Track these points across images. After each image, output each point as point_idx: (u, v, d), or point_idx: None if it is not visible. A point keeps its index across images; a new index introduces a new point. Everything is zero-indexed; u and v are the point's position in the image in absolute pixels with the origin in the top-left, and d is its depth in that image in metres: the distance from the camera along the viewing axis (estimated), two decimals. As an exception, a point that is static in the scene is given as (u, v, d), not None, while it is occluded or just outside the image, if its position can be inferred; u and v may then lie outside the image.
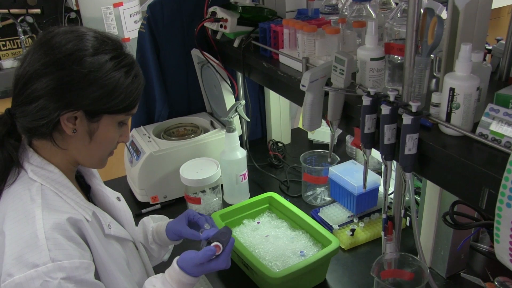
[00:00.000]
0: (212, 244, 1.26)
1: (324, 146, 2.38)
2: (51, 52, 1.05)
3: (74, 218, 1.08)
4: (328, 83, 1.36)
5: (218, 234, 1.31)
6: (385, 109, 1.14)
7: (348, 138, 2.35)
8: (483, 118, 1.04)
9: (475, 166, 1.01)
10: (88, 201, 1.20)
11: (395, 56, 1.31)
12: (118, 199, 1.35)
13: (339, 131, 2.45)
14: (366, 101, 1.20)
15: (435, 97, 1.13)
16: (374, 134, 1.25)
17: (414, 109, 1.09)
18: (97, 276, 1.12)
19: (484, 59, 1.39)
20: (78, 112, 1.08)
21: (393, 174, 1.51)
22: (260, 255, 1.60)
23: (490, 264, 1.62)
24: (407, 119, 1.09)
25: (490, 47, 1.46)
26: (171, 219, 1.54)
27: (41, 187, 1.09)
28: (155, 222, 1.55)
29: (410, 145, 1.11)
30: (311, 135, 2.49)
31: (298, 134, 2.59)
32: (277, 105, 2.40)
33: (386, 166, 1.24)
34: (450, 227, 1.40)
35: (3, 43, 3.61)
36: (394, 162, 1.36)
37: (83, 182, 1.31)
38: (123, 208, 1.35)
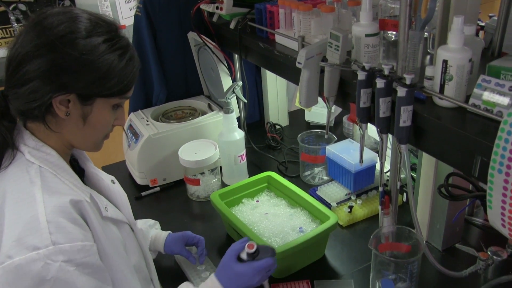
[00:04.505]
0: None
1: (322, 127, 2.40)
2: (43, 33, 1.04)
3: (75, 200, 1.07)
4: (324, 61, 1.39)
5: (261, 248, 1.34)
6: (380, 83, 1.16)
7: (345, 119, 2.38)
8: (475, 89, 1.06)
9: (468, 136, 1.03)
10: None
11: (389, 34, 1.33)
12: (113, 182, 1.34)
13: (337, 112, 2.47)
14: (361, 75, 1.22)
15: (428, 70, 1.15)
16: (369, 109, 1.27)
17: (408, 82, 1.12)
18: None
19: (477, 35, 1.41)
20: (70, 95, 1.06)
21: (389, 152, 1.54)
22: (260, 232, 1.63)
23: (484, 236, 1.66)
24: (401, 92, 1.11)
25: (483, 24, 1.48)
26: (169, 231, 1.63)
27: (39, 169, 1.08)
28: (151, 228, 1.63)
29: (404, 117, 1.13)
30: (308, 117, 2.51)
31: (295, 117, 2.61)
32: (274, 87, 2.42)
33: (381, 139, 1.27)
34: (445, 199, 1.43)
35: (-5, 31, 3.58)
36: (390, 138, 1.39)
37: (76, 166, 1.29)
38: (118, 190, 1.34)
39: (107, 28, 1.10)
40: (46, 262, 0.97)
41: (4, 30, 3.59)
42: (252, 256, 1.31)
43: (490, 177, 0.98)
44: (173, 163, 2.02)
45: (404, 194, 1.82)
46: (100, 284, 1.07)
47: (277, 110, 2.49)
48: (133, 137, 2.07)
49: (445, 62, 1.08)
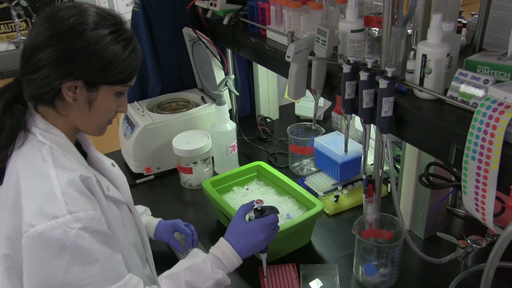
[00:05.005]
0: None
1: (311, 120, 2.45)
2: (55, 25, 1.13)
3: (84, 176, 1.17)
4: (312, 55, 1.45)
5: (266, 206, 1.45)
6: (363, 75, 1.24)
7: (334, 113, 2.44)
8: (452, 82, 1.13)
9: (445, 125, 1.10)
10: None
11: (374, 30, 1.40)
12: (113, 165, 1.42)
13: (326, 106, 2.54)
14: (346, 68, 1.29)
15: (409, 64, 1.22)
16: (354, 100, 1.34)
17: (389, 74, 1.18)
18: None
19: (460, 32, 1.48)
20: (78, 82, 1.16)
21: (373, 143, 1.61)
22: (249, 219, 1.69)
23: (466, 226, 1.73)
24: (383, 84, 1.18)
25: (465, 22, 1.55)
26: (160, 219, 1.69)
27: (50, 149, 1.18)
28: (141, 215, 1.69)
29: (386, 108, 1.21)
30: (298, 111, 2.58)
31: (285, 110, 2.68)
32: (265, 82, 2.49)
33: (365, 129, 1.34)
34: (426, 187, 1.50)
35: (-2, 27, 3.65)
36: (373, 130, 1.45)
37: (80, 150, 1.36)
38: (118, 173, 1.42)
39: (113, 21, 1.19)
40: (64, 230, 1.06)
41: (6, 25, 3.66)
42: (260, 213, 1.41)
43: (465, 164, 1.05)
44: (167, 153, 2.08)
45: (388, 184, 1.89)
46: (112, 252, 1.16)
47: (268, 104, 2.56)
48: (129, 127, 2.13)
49: (424, 56, 1.15)
